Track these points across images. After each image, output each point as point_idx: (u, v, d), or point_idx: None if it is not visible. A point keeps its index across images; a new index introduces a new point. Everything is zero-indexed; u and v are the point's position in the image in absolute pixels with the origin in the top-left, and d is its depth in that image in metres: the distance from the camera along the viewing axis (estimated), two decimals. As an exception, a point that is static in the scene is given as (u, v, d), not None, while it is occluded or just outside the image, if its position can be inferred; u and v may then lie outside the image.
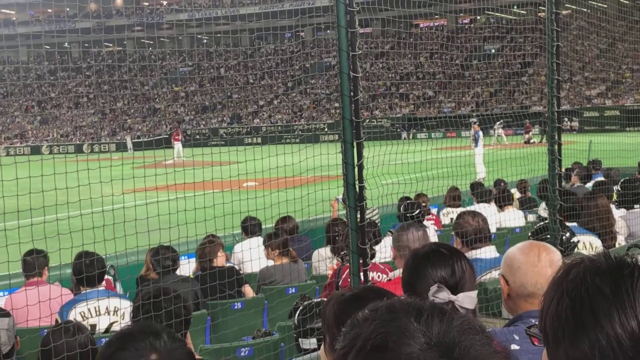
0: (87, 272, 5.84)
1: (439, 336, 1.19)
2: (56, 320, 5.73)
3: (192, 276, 7.75)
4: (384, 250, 7.47)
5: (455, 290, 2.81)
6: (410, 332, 1.20)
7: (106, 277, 7.05)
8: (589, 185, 11.31)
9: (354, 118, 4.83)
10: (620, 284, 1.42)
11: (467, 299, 2.78)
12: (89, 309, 5.95)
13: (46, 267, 6.80)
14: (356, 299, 2.42)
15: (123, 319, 5.99)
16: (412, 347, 1.17)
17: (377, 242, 7.35)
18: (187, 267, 8.47)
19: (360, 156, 4.87)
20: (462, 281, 2.89)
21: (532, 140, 38.58)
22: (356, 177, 4.86)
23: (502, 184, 12.60)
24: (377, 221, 8.63)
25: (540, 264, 3.27)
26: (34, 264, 6.63)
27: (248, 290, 7.55)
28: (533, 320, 2.96)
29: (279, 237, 7.89)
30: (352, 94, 4.83)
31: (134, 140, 60.39)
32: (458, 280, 2.88)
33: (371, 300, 1.32)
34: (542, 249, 3.34)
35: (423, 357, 1.16)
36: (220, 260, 7.59)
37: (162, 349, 2.20)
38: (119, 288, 7.72)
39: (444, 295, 2.75)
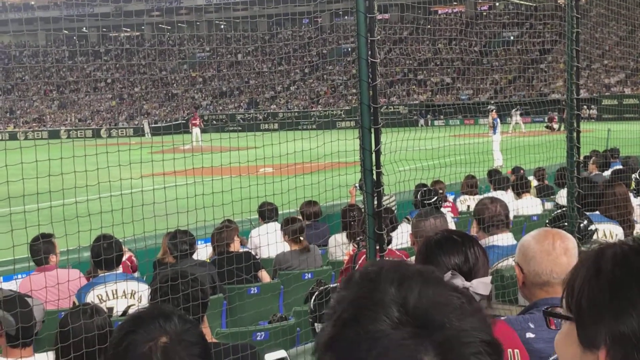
0: (105, 255, 5.88)
1: (414, 310, 1.15)
2: (73, 303, 5.79)
3: (208, 260, 7.80)
4: (401, 236, 7.48)
5: (469, 277, 2.81)
6: (385, 305, 1.16)
7: (124, 259, 7.09)
8: (607, 173, 11.25)
9: (371, 104, 4.83)
10: None
11: (481, 285, 2.78)
12: (106, 292, 6.00)
13: (52, 254, 6.82)
14: None
15: (140, 302, 6.03)
16: (383, 324, 1.14)
17: (393, 229, 7.36)
18: (203, 251, 8.52)
19: (377, 142, 4.87)
20: (476, 267, 2.89)
21: (554, 127, 38.31)
22: (373, 163, 4.86)
23: (522, 171, 12.55)
24: (393, 208, 8.63)
25: (555, 252, 3.25)
26: (40, 250, 6.67)
27: (264, 275, 7.59)
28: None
29: (295, 223, 7.92)
30: (370, 79, 4.83)
31: (151, 125, 60.58)
32: (472, 266, 2.88)
33: None
34: (556, 237, 3.32)
35: (393, 336, 1.13)
36: (236, 245, 7.63)
37: (172, 332, 2.22)
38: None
39: (458, 282, 2.75)
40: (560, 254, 3.25)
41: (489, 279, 2.85)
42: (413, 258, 5.79)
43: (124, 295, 6.06)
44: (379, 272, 1.23)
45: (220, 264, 6.86)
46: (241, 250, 7.85)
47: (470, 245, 2.91)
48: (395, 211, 8.85)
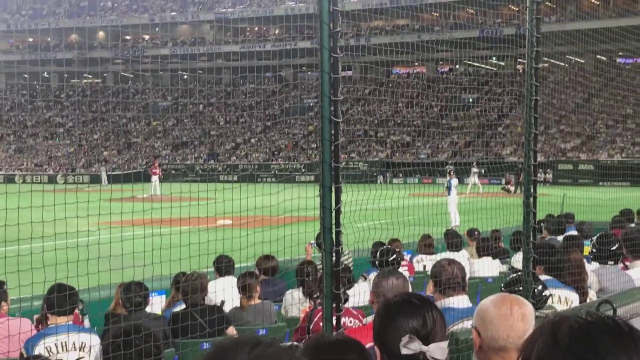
0: (59, 306, 5.76)
1: None
2: (21, 354, 5.65)
3: (162, 313, 7.66)
4: (357, 295, 7.46)
5: (426, 341, 2.82)
6: None
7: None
8: (560, 238, 11.39)
9: (333, 162, 4.86)
10: (619, 331, 1.53)
11: (438, 350, 2.79)
12: (55, 344, 5.85)
13: (3, 301, 6.68)
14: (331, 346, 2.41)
15: (90, 355, 5.90)
16: None
17: (350, 287, 7.34)
18: (158, 305, 8.38)
19: (338, 200, 4.89)
20: (433, 332, 2.90)
21: (510, 189, 38.75)
22: (333, 222, 4.87)
23: (476, 233, 12.66)
24: (350, 265, 8.62)
25: (513, 318, 3.29)
26: None
27: (232, 331, 7.41)
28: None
29: (249, 278, 7.78)
30: (332, 138, 4.86)
31: (109, 173, 60.06)
32: (429, 330, 2.88)
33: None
34: (514, 303, 3.35)
35: None
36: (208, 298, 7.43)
37: None
38: (86, 323, 7.60)
39: (415, 346, 2.75)
40: (517, 319, 3.28)
41: (445, 343, 2.86)
42: (370, 317, 5.78)
43: (74, 347, 5.92)
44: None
45: (193, 317, 6.70)
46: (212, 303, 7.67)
47: (428, 309, 2.92)
48: (352, 268, 8.83)
